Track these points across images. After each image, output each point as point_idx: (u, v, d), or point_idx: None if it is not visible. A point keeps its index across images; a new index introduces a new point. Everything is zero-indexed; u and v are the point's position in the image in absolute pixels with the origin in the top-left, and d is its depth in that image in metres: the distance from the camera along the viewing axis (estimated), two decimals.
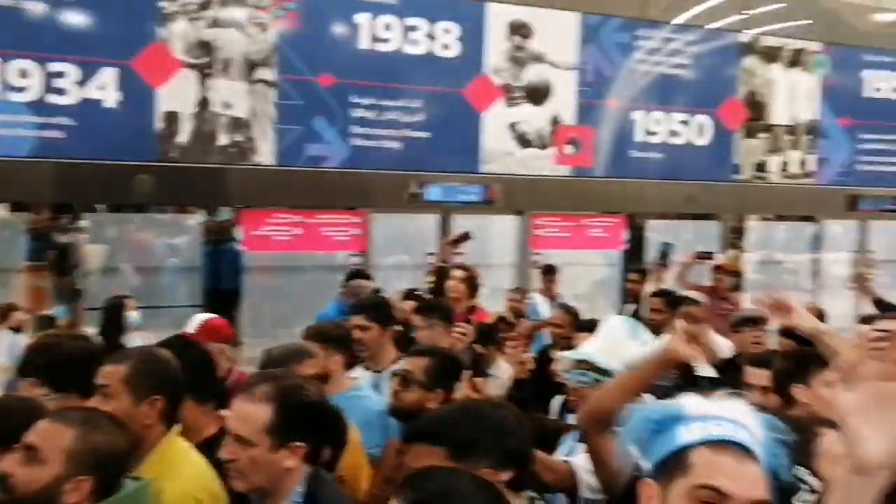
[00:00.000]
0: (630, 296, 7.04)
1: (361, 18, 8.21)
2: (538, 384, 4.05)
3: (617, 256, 9.62)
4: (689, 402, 1.31)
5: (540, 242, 9.23)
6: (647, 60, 9.61)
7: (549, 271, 7.79)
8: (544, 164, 9.16)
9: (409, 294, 5.62)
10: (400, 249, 9.22)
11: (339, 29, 8.22)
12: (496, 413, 1.93)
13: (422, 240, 8.82)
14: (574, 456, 2.54)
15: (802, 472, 1.89)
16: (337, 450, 2.41)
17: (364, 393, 3.34)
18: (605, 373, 2.56)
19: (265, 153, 7.93)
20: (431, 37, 8.48)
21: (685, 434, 1.27)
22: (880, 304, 6.00)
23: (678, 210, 10.11)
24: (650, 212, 9.97)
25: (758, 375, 3.07)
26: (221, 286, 7.92)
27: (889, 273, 11.28)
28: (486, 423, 1.87)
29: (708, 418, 1.28)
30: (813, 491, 1.87)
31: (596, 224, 9.63)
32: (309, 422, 2.08)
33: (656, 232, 9.97)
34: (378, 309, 3.80)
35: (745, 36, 10.19)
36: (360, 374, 3.63)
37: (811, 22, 10.66)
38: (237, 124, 7.79)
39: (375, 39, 8.28)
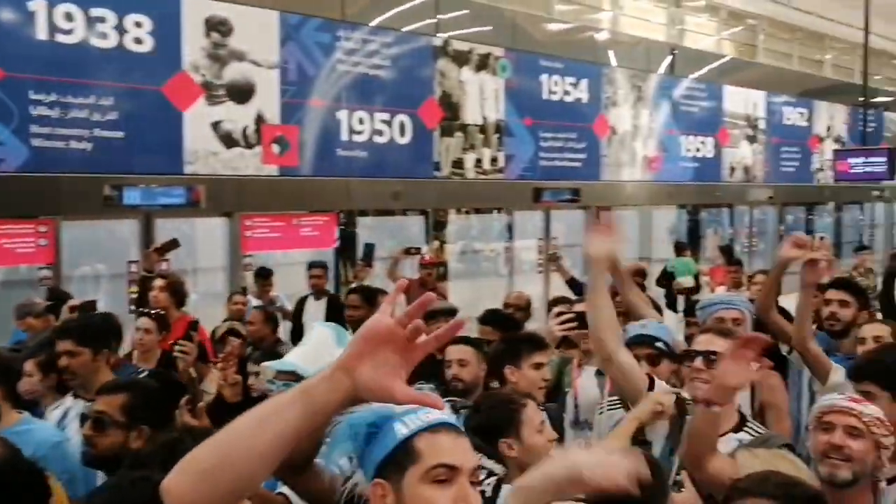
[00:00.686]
0: (314, 290, 7.05)
1: (36, 6, 7.39)
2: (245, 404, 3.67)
3: (330, 254, 9.68)
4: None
5: (251, 244, 9.02)
6: (348, 61, 9.80)
7: (262, 274, 7.64)
8: (251, 163, 8.96)
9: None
10: (95, 258, 8.50)
11: (8, 16, 7.34)
12: None
13: (121, 247, 8.22)
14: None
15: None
16: None
17: (33, 425, 3.02)
18: None
19: None
20: (121, 30, 7.88)
21: (403, 428, 1.39)
22: (573, 283, 6.58)
23: (385, 206, 10.45)
24: (359, 209, 10.19)
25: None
26: None
27: (569, 256, 12.65)
28: None
29: (416, 410, 1.39)
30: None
31: (306, 223, 9.62)
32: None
33: (366, 228, 10.23)
34: (86, 331, 3.43)
35: (438, 40, 10.77)
36: (70, 404, 3.28)
37: (493, 28, 11.58)
38: None
39: (56, 30, 7.50)
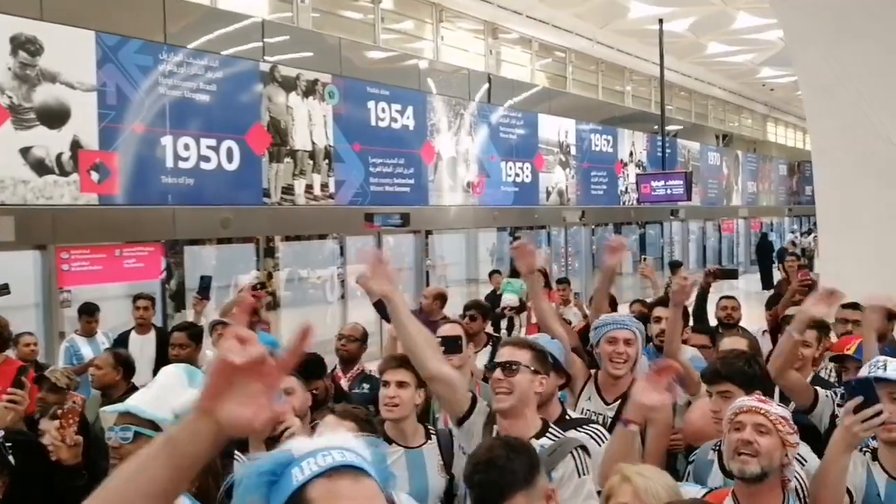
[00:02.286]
0: (138, 324, 6.65)
1: None
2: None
3: (157, 286, 9.20)
4: (294, 444, 1.32)
5: (69, 278, 8.41)
6: (173, 85, 9.43)
7: (87, 310, 7.10)
8: (67, 192, 8.38)
9: None
10: None
11: None
12: None
13: None
14: None
15: None
16: None
17: None
18: (151, 424, 2.28)
19: None
20: None
21: (299, 474, 1.27)
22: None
23: (214, 235, 10.09)
24: (186, 238, 9.77)
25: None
26: None
27: (401, 278, 12.81)
28: None
29: (315, 453, 1.29)
30: None
31: (130, 255, 9.09)
32: None
33: (194, 258, 9.83)
34: None
35: (265, 65, 10.62)
36: None
37: (320, 54, 11.58)
38: None
39: None
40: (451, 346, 3.66)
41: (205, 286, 6.55)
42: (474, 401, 2.72)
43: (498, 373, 2.66)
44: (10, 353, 5.59)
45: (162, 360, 5.70)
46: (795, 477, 2.59)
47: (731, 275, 9.14)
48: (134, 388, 4.75)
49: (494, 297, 10.93)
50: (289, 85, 10.94)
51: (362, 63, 12.47)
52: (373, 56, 12.84)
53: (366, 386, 4.70)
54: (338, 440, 1.33)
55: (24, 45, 8.08)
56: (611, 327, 3.46)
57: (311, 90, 11.27)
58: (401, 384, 3.01)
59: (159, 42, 9.35)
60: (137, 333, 6.58)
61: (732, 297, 6.12)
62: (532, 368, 2.67)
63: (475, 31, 15.83)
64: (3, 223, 7.86)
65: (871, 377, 2.61)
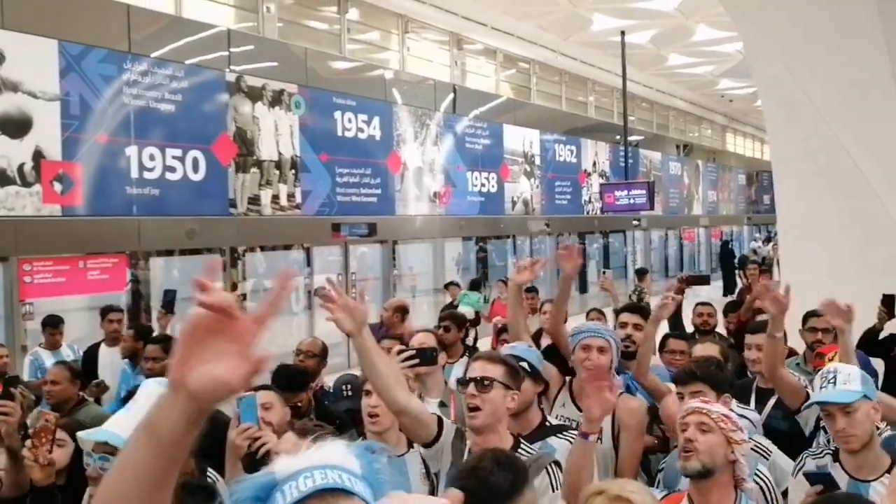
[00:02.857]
0: (108, 337, 6.55)
1: None
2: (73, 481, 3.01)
3: (123, 298, 9.07)
4: (278, 465, 1.26)
5: (31, 290, 8.27)
6: (137, 95, 9.34)
7: (51, 322, 6.98)
8: (29, 203, 8.25)
9: None
10: None
11: None
12: None
13: None
14: None
15: None
16: None
17: None
18: None
19: None
20: None
21: (280, 500, 1.21)
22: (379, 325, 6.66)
23: (180, 246, 9.99)
24: (151, 250, 9.67)
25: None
26: None
27: (368, 288, 12.81)
28: None
29: (297, 475, 1.23)
30: None
31: (94, 266, 8.97)
32: None
33: (160, 269, 9.73)
34: None
35: (231, 75, 10.57)
36: None
37: (286, 64, 11.55)
38: None
39: None
40: (426, 357, 3.68)
41: (169, 300, 6.47)
42: (440, 424, 2.69)
43: (472, 388, 2.65)
44: None
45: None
46: (761, 478, 2.67)
47: (703, 281, 9.34)
48: (83, 401, 4.69)
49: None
50: (255, 95, 10.90)
51: (328, 73, 12.47)
52: (339, 66, 12.85)
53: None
54: (323, 456, 1.26)
55: None
56: (585, 335, 3.51)
57: (277, 100, 11.24)
58: None
59: (124, 51, 9.27)
60: (108, 346, 6.49)
61: (708, 304, 6.27)
62: (505, 384, 2.68)
63: (440, 42, 15.91)
64: None
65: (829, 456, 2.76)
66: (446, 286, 11.81)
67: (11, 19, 8.19)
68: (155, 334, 5.87)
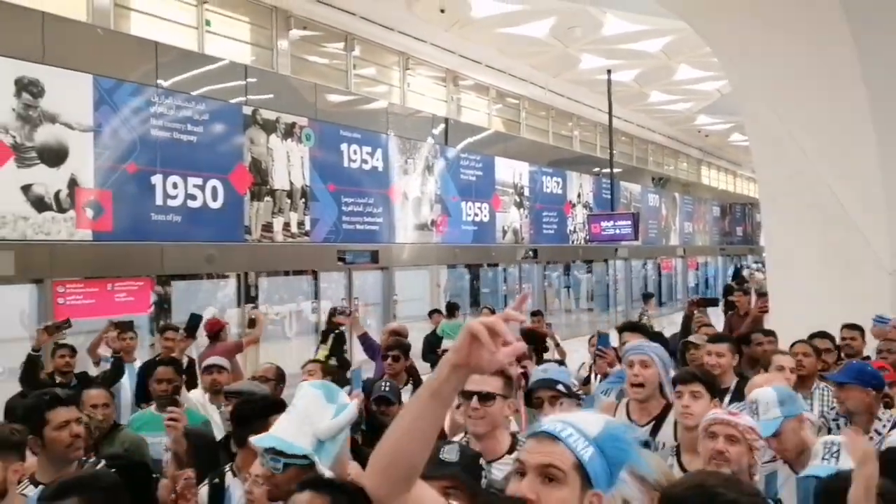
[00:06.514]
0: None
1: None
2: None
3: (145, 320, 9.49)
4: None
5: (64, 311, 8.64)
6: (163, 126, 9.84)
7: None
8: (63, 228, 8.69)
9: None
10: None
11: None
12: None
13: None
14: None
15: None
16: None
17: None
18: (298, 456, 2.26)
19: None
20: None
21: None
22: (365, 338, 6.90)
23: (199, 271, 10.45)
24: (173, 274, 10.11)
25: None
26: None
27: (370, 313, 13.30)
28: None
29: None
30: None
31: (121, 288, 9.40)
32: None
33: (181, 292, 10.17)
34: None
35: (248, 108, 11.10)
36: None
37: (292, 99, 12.10)
38: None
39: None
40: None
41: (193, 324, 6.75)
42: None
43: (475, 402, 2.79)
44: None
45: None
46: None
47: (712, 303, 10.10)
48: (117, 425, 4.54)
49: (433, 337, 10.77)
50: (269, 127, 11.43)
51: (335, 107, 13.05)
52: (345, 100, 13.44)
53: None
54: None
55: (28, 87, 8.42)
56: (629, 353, 3.75)
57: (289, 132, 11.78)
58: None
59: (151, 85, 9.77)
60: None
61: (710, 326, 6.92)
62: (504, 395, 2.85)
63: (437, 79, 16.58)
64: (4, 258, 8.12)
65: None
66: (430, 314, 11.98)
67: (51, 55, 8.67)
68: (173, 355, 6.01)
